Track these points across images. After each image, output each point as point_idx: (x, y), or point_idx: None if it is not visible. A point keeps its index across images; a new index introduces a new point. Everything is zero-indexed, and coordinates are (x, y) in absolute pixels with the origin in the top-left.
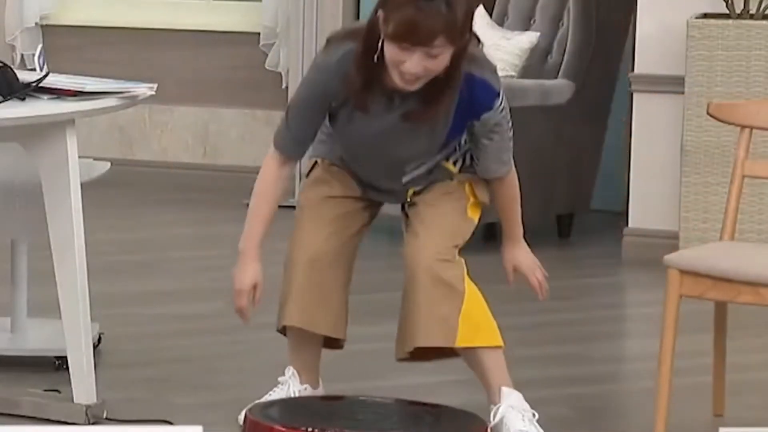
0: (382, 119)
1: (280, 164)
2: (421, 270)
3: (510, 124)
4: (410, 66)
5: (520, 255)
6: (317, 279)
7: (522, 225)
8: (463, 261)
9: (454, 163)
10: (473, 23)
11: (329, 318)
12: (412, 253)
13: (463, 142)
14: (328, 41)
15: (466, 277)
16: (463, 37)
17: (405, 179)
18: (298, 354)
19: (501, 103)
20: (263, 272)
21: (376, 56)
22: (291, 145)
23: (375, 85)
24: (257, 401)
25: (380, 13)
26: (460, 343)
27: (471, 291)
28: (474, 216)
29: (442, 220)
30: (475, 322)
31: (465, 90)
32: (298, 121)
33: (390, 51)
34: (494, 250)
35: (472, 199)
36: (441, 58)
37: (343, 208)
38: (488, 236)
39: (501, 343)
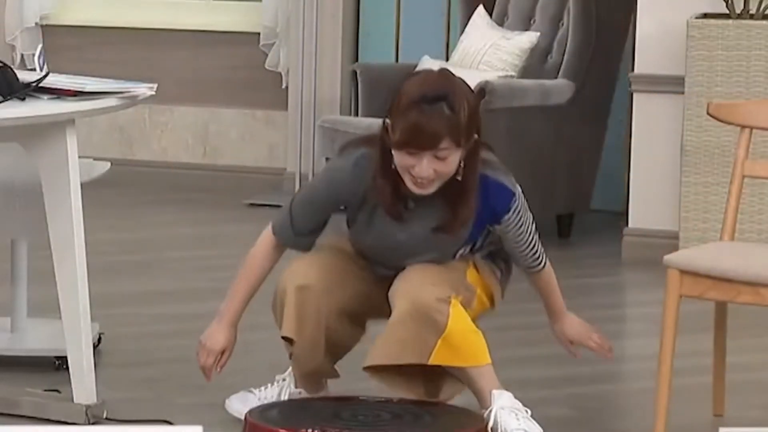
0: (405, 226)
1: (274, 246)
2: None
3: (532, 219)
4: (420, 170)
5: (570, 326)
6: (303, 302)
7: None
8: (456, 302)
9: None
10: (479, 122)
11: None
12: (400, 286)
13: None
14: (342, 149)
15: (454, 303)
16: (469, 137)
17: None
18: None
19: (518, 203)
20: (235, 340)
21: (393, 164)
22: (289, 237)
23: (397, 195)
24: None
25: (387, 121)
26: (434, 360)
27: (456, 312)
28: (474, 283)
29: (436, 269)
30: (456, 344)
31: (481, 193)
32: (302, 217)
33: (399, 157)
34: None
35: (473, 271)
36: (450, 160)
37: (349, 265)
38: None
39: (485, 362)
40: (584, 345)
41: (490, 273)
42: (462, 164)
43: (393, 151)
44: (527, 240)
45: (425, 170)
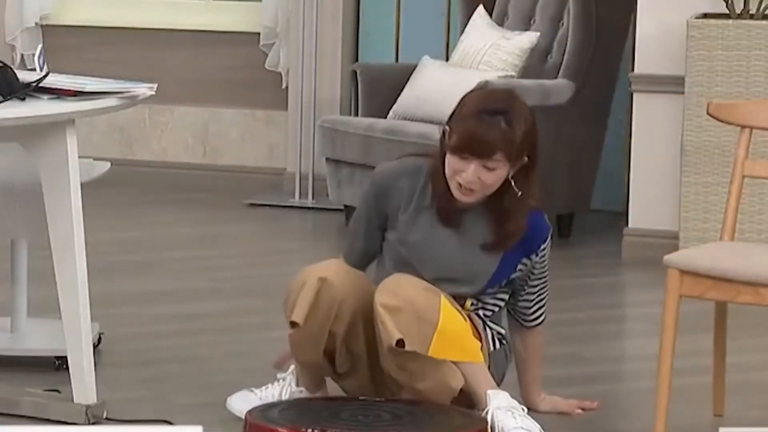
0: (449, 233)
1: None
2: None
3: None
4: (466, 176)
5: (554, 401)
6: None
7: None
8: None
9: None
10: (535, 144)
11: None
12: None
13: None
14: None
15: (443, 302)
16: (521, 156)
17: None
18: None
19: (550, 244)
20: None
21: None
22: (358, 259)
23: (448, 197)
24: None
25: (446, 127)
26: (432, 353)
27: (447, 311)
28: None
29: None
30: (450, 338)
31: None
32: (353, 236)
33: (450, 161)
34: None
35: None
36: (497, 173)
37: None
38: None
39: (479, 360)
40: (571, 414)
41: (484, 336)
42: (513, 181)
43: (447, 155)
44: (545, 283)
45: (471, 176)
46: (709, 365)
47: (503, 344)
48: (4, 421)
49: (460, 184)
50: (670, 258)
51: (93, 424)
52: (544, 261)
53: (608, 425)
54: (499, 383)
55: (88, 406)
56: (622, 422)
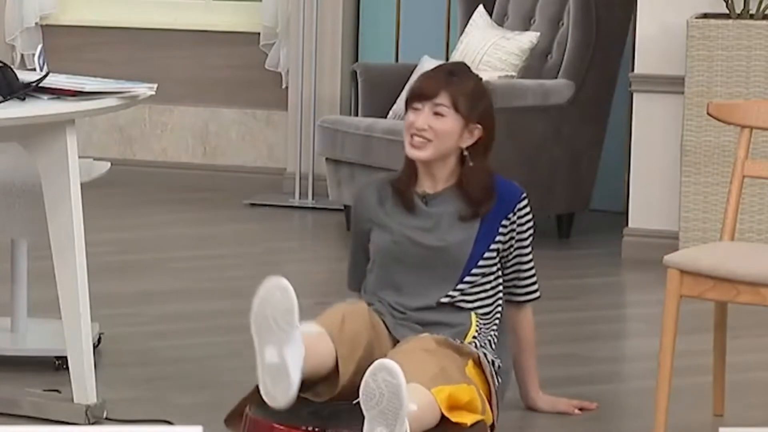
0: (422, 221)
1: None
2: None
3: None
4: (417, 121)
5: (553, 401)
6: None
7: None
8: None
9: (478, 321)
10: (487, 113)
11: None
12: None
13: (492, 290)
14: None
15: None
16: (472, 112)
17: (433, 309)
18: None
19: (530, 209)
20: None
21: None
22: (358, 278)
23: (412, 185)
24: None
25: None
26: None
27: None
28: (473, 378)
29: (433, 359)
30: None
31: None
32: (351, 257)
33: (405, 120)
34: None
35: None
36: (447, 120)
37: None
38: None
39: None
40: (568, 413)
41: (490, 375)
42: (465, 152)
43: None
44: (530, 256)
45: (422, 122)
46: (709, 365)
47: (501, 379)
48: (4, 421)
49: (411, 138)
50: (670, 258)
51: (93, 424)
52: (525, 226)
53: (608, 425)
54: (496, 418)
55: (88, 406)
56: (622, 422)
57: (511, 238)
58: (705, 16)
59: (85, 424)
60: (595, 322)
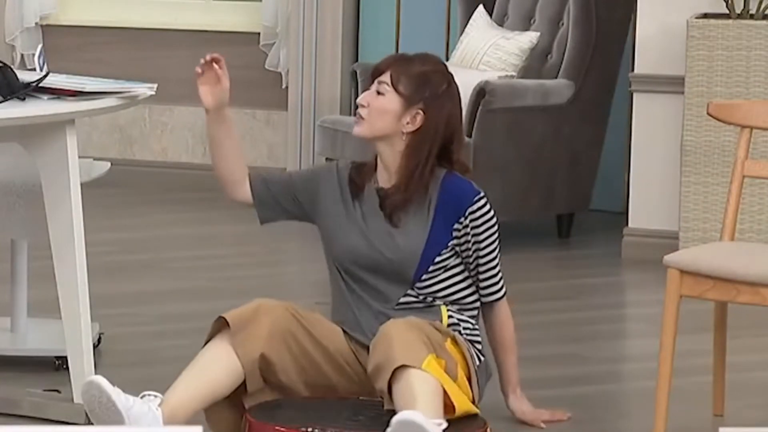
0: (370, 216)
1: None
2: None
3: (498, 242)
4: (360, 97)
5: (527, 408)
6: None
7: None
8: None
9: (449, 312)
10: (434, 105)
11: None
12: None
13: (462, 283)
14: None
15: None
16: (413, 92)
17: (395, 310)
18: None
19: (485, 204)
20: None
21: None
22: (258, 183)
23: (367, 175)
24: None
25: None
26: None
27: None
28: (453, 356)
29: (414, 332)
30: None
31: (443, 188)
32: (277, 177)
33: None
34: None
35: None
36: (383, 99)
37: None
38: None
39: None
40: (542, 423)
41: (468, 353)
42: (404, 136)
43: None
44: (492, 255)
45: (363, 97)
46: (709, 365)
47: (483, 357)
48: (4, 421)
49: (355, 115)
50: (670, 258)
51: (93, 424)
52: (479, 227)
53: (608, 425)
54: (480, 398)
55: None
56: (622, 422)
57: (467, 241)
58: (705, 16)
59: (85, 424)
60: (595, 322)
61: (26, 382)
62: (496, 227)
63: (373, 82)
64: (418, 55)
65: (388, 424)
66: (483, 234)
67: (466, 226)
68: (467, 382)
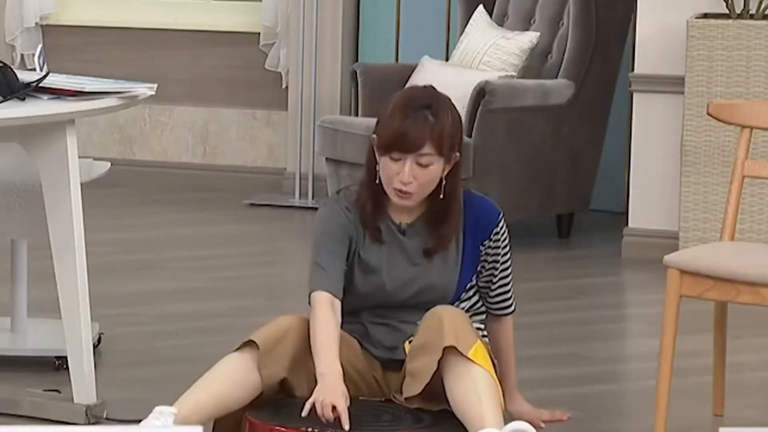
0: (395, 256)
1: (328, 303)
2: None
3: (512, 263)
4: (402, 176)
5: (527, 409)
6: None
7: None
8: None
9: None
10: (461, 139)
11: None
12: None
13: (475, 298)
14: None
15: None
16: (452, 149)
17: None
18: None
19: (504, 222)
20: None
21: (377, 178)
22: (329, 281)
23: (383, 216)
24: None
25: (373, 136)
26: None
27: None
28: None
29: (459, 320)
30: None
31: (467, 211)
32: (327, 256)
33: (384, 166)
34: None
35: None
36: (432, 169)
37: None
38: None
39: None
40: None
41: (491, 355)
42: (444, 182)
43: (379, 162)
44: (507, 272)
45: (407, 175)
46: (709, 365)
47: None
48: (4, 421)
49: (398, 190)
50: (670, 258)
51: (93, 424)
52: (500, 247)
53: (608, 425)
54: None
55: (88, 406)
56: (622, 422)
57: (487, 261)
58: (705, 16)
59: (85, 424)
60: (595, 322)
61: (26, 382)
62: (510, 249)
63: (392, 152)
64: (428, 100)
65: (388, 424)
66: (503, 252)
67: (490, 246)
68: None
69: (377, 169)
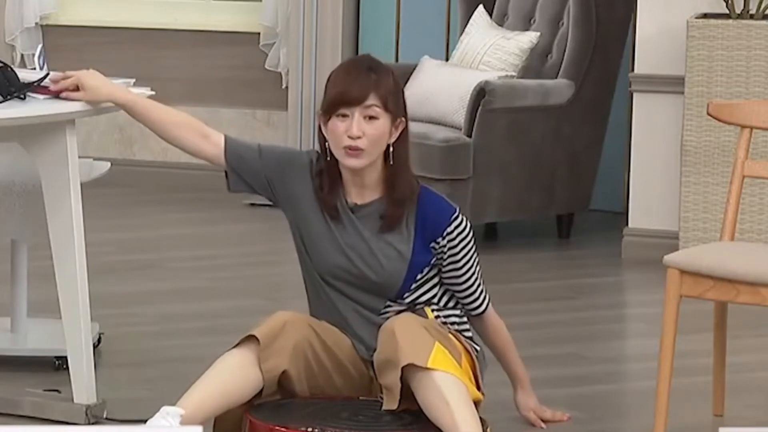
0: (349, 233)
1: (206, 128)
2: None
3: (477, 256)
4: (351, 130)
5: (533, 403)
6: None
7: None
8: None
9: (434, 312)
10: (404, 105)
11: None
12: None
13: (439, 293)
14: None
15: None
16: (398, 108)
17: (379, 317)
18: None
19: (461, 222)
20: None
21: (329, 155)
22: (233, 138)
23: (337, 194)
24: None
25: (320, 113)
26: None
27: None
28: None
29: (417, 327)
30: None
31: (420, 206)
32: (256, 145)
33: (333, 129)
34: (495, 250)
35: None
36: (379, 123)
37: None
38: (488, 236)
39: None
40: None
41: (468, 343)
42: (392, 149)
43: (328, 127)
44: (470, 272)
45: (356, 129)
46: (709, 365)
47: (479, 346)
48: (4, 421)
49: (348, 147)
50: (670, 258)
51: (93, 424)
52: (457, 246)
53: (608, 425)
54: (481, 387)
55: (88, 406)
56: (622, 422)
57: (443, 259)
58: (705, 16)
59: (85, 424)
60: (595, 322)
61: (26, 382)
62: (472, 242)
63: (338, 109)
64: (373, 64)
65: (387, 424)
66: (459, 253)
67: (443, 246)
68: (470, 370)
69: (327, 145)
